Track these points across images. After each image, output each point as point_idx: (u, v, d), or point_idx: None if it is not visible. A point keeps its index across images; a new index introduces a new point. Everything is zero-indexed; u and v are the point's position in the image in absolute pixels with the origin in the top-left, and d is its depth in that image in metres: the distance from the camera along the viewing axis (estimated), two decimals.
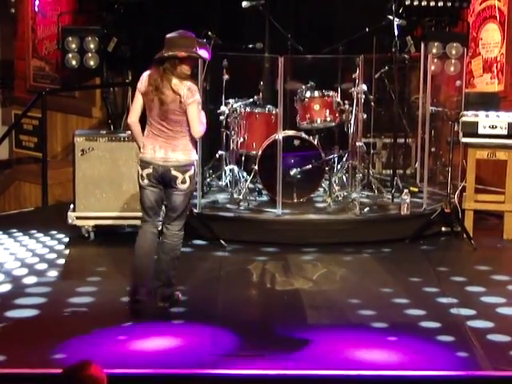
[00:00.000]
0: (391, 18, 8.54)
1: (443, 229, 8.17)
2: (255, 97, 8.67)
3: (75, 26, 10.06)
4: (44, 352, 5.31)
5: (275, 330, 5.80)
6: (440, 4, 9.59)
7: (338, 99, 8.55)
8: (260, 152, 8.29)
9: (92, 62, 9.73)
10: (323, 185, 8.51)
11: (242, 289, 6.72)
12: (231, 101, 8.65)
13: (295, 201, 8.29)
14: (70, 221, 7.89)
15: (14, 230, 8.23)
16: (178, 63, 5.84)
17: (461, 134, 8.15)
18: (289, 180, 8.19)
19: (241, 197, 8.34)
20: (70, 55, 9.71)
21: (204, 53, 6.03)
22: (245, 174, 8.59)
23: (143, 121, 6.07)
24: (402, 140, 9.33)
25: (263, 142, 8.35)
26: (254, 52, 8.63)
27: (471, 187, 8.16)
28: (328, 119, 8.50)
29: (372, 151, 9.15)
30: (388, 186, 8.76)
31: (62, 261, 7.37)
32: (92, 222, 7.88)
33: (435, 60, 9.19)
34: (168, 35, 5.92)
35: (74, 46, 9.69)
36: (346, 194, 8.47)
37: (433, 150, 9.25)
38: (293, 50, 8.70)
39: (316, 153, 8.28)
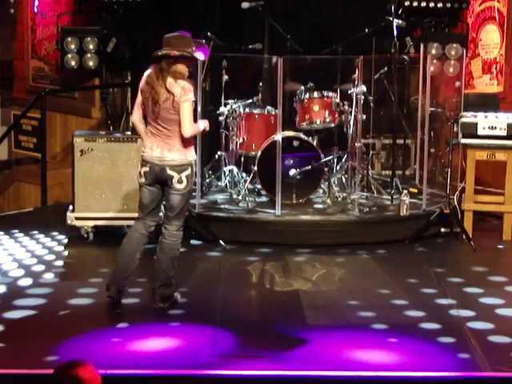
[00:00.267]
0: (390, 18, 8.54)
1: (442, 230, 8.17)
2: (254, 97, 8.67)
3: (74, 26, 10.07)
4: (41, 353, 5.30)
5: (274, 331, 5.80)
6: (439, 5, 9.60)
7: (338, 100, 8.55)
8: (259, 153, 8.28)
9: (91, 63, 9.73)
10: (322, 186, 8.50)
11: (241, 289, 6.72)
12: (230, 101, 8.66)
13: (294, 202, 8.29)
14: (69, 221, 7.89)
15: (13, 231, 8.23)
16: (173, 62, 5.86)
17: (460, 135, 8.15)
18: (288, 181, 8.18)
19: (240, 197, 8.34)
20: (70, 56, 9.71)
21: (199, 54, 6.01)
22: (244, 174, 8.59)
23: None
24: (402, 141, 9.35)
25: (262, 142, 8.35)
26: (253, 53, 8.62)
27: (470, 188, 8.16)
28: (327, 120, 8.50)
29: (371, 152, 9.16)
30: (387, 186, 8.76)
31: (61, 261, 7.36)
32: (91, 223, 7.88)
33: (434, 61, 9.19)
34: (166, 35, 5.96)
35: (73, 46, 9.69)
36: (345, 194, 8.47)
37: (432, 150, 9.25)
38: (292, 51, 8.70)
39: (315, 154, 8.27)
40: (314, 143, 8.36)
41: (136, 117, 6.08)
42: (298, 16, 9.85)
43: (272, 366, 5.18)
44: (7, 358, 5.26)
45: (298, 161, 8.25)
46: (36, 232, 8.19)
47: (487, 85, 9.87)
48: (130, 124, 10.07)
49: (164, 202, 6.12)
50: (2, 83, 12.02)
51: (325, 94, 8.52)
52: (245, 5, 8.63)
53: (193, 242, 7.77)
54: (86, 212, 7.86)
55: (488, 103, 8.70)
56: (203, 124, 6.22)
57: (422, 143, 8.64)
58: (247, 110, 8.53)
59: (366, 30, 8.71)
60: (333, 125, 8.54)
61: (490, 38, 9.85)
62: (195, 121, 6.22)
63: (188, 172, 5.95)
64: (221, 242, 7.75)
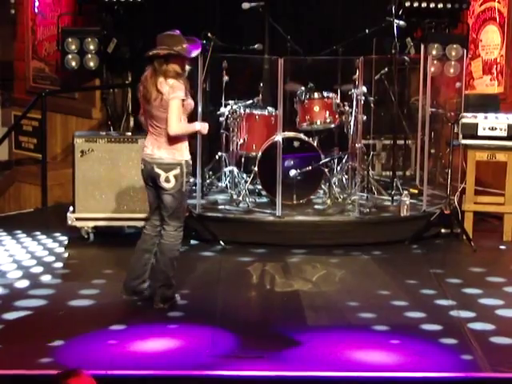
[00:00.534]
0: (391, 19, 8.54)
1: (443, 230, 8.17)
2: (255, 98, 8.68)
3: (75, 27, 10.07)
4: (39, 354, 5.30)
5: (274, 331, 5.79)
6: (440, 6, 9.60)
7: (338, 101, 8.55)
8: (260, 153, 8.28)
9: (92, 63, 9.73)
10: (323, 186, 8.50)
11: (241, 290, 6.72)
12: (231, 102, 8.66)
13: (295, 202, 8.29)
14: (69, 222, 7.89)
15: (14, 231, 8.23)
16: (163, 62, 5.89)
17: (460, 136, 8.15)
18: (288, 181, 8.18)
19: (240, 198, 8.34)
20: (70, 56, 9.71)
21: (190, 51, 5.95)
22: (244, 175, 8.59)
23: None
24: (402, 141, 9.35)
25: (263, 143, 8.35)
26: (253, 53, 8.62)
27: (471, 189, 8.15)
28: (328, 121, 8.50)
29: (372, 153, 9.15)
30: (388, 187, 8.75)
31: (61, 262, 7.36)
32: (91, 223, 7.88)
33: (435, 62, 9.19)
34: (158, 35, 6.02)
35: (73, 47, 9.69)
36: (345, 195, 8.47)
37: (432, 151, 9.25)
38: (292, 52, 8.70)
39: (316, 154, 8.27)
40: (315, 144, 8.36)
41: (140, 115, 6.22)
42: (299, 17, 9.85)
43: (272, 366, 5.18)
44: (6, 358, 5.25)
45: (299, 161, 8.25)
46: (36, 233, 8.20)
47: (487, 85, 9.87)
48: (131, 124, 10.12)
49: None
50: (2, 84, 12.03)
51: (325, 94, 8.52)
52: (245, 5, 8.63)
53: (193, 242, 7.77)
54: (87, 213, 7.86)
55: (488, 104, 8.70)
56: (200, 125, 6.19)
57: (423, 144, 8.64)
58: (248, 110, 8.53)
59: (367, 31, 8.70)
60: (333, 125, 8.55)
61: (491, 38, 9.85)
62: (193, 121, 6.23)
63: (176, 172, 5.94)
64: (221, 242, 7.75)
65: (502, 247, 8.04)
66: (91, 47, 9.69)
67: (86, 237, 7.89)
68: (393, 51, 8.52)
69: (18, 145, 11.07)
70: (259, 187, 8.59)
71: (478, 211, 8.36)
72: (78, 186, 7.86)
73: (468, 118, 8.15)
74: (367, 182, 8.60)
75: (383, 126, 9.28)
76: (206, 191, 8.65)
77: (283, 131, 8.15)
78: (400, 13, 9.28)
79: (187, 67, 6.07)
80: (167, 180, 5.94)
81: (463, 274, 7.13)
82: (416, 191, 8.77)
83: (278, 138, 8.04)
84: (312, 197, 8.46)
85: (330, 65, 8.68)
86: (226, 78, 8.66)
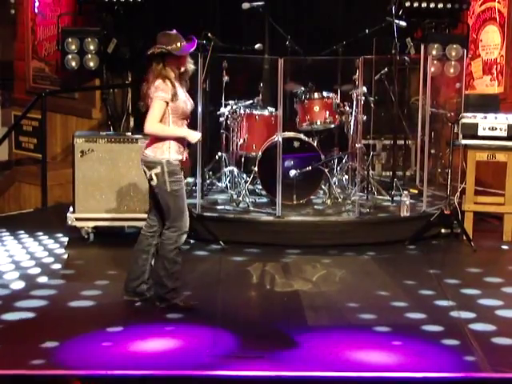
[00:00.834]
0: (391, 19, 8.54)
1: (443, 230, 8.17)
2: (255, 98, 8.68)
3: (75, 27, 10.08)
4: (38, 354, 5.31)
5: (275, 331, 5.79)
6: (440, 6, 9.61)
7: (338, 101, 8.56)
8: (260, 153, 8.29)
9: (92, 64, 9.74)
10: (323, 186, 8.50)
11: (241, 290, 6.71)
12: (231, 102, 8.67)
13: (295, 202, 8.29)
14: (69, 222, 7.89)
15: (14, 232, 8.23)
16: (160, 61, 5.88)
17: (460, 136, 8.15)
18: (288, 181, 8.18)
19: (240, 198, 8.34)
20: (70, 56, 9.72)
21: (180, 48, 5.90)
22: (244, 175, 8.59)
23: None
24: (402, 142, 9.35)
25: (263, 143, 8.35)
26: (253, 53, 8.62)
27: (471, 189, 8.16)
28: (328, 121, 8.51)
29: (372, 153, 9.15)
30: (388, 187, 8.75)
31: (61, 262, 7.36)
32: (91, 224, 7.88)
33: (435, 62, 9.19)
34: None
35: (73, 47, 9.70)
36: (345, 195, 8.48)
37: (432, 151, 9.26)
38: (293, 52, 8.70)
39: (316, 154, 8.27)
40: (315, 144, 8.36)
41: None
42: (299, 17, 9.85)
43: (272, 366, 5.17)
44: (5, 358, 5.25)
45: (299, 161, 8.25)
46: (36, 233, 8.19)
47: (488, 86, 9.88)
48: (131, 124, 10.12)
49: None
50: (2, 84, 12.03)
51: (325, 94, 8.53)
52: (245, 5, 8.64)
53: (193, 242, 7.77)
54: (87, 213, 7.86)
55: (488, 104, 8.70)
56: (189, 132, 6.01)
57: (423, 144, 8.64)
58: (248, 110, 8.54)
59: (367, 31, 8.70)
60: (333, 125, 8.56)
61: (491, 38, 9.85)
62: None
63: (157, 170, 5.94)
64: (221, 242, 7.74)
65: (502, 247, 8.04)
66: (91, 47, 9.69)
67: (86, 237, 7.90)
68: (393, 51, 8.53)
69: (18, 145, 11.08)
70: (259, 187, 8.59)
71: (478, 211, 8.37)
72: (77, 186, 7.86)
73: (468, 118, 8.15)
74: (367, 182, 8.60)
75: (383, 126, 9.28)
76: (205, 191, 8.65)
77: (283, 131, 8.15)
78: (400, 13, 9.29)
79: (191, 67, 6.05)
80: (151, 178, 5.98)
81: (463, 275, 7.13)
82: (416, 191, 8.78)
83: (278, 138, 8.04)
84: (312, 197, 8.47)
85: (330, 65, 8.68)
86: (226, 78, 8.66)
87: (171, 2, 9.80)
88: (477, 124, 8.10)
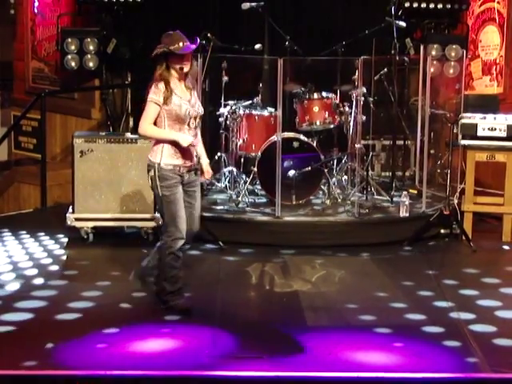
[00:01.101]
0: (390, 20, 8.54)
1: (442, 231, 8.18)
2: (254, 98, 8.68)
3: (74, 27, 10.07)
4: (39, 353, 5.31)
5: (274, 332, 5.79)
6: (439, 6, 9.61)
7: (338, 101, 8.56)
8: (259, 154, 8.29)
9: (91, 64, 9.74)
10: (322, 187, 8.50)
11: (240, 290, 6.71)
12: (230, 102, 8.66)
13: (294, 203, 8.29)
14: (68, 222, 7.89)
15: (13, 232, 8.23)
16: (163, 61, 5.87)
17: (460, 136, 8.16)
18: (288, 182, 8.18)
19: (240, 198, 8.34)
20: (70, 56, 9.72)
21: (179, 48, 5.88)
22: (244, 175, 8.59)
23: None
24: (401, 142, 9.34)
25: (262, 143, 8.35)
26: (253, 54, 8.62)
27: (470, 189, 8.16)
28: (327, 121, 8.51)
29: (371, 153, 9.14)
30: (387, 188, 8.75)
31: (60, 262, 7.36)
32: (91, 224, 7.88)
33: (434, 62, 9.19)
34: None
35: (73, 47, 9.70)
36: (344, 195, 8.47)
37: (432, 152, 9.26)
38: (292, 52, 8.69)
39: (315, 155, 8.27)
40: (314, 144, 8.36)
41: None
42: (298, 17, 9.85)
43: (272, 367, 5.17)
44: (4, 359, 5.25)
45: (298, 162, 8.25)
46: (35, 233, 8.19)
47: (487, 86, 9.88)
48: (131, 125, 10.12)
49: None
50: (1, 84, 12.03)
51: (325, 95, 8.53)
52: (245, 5, 8.63)
53: (192, 243, 7.76)
54: (86, 213, 7.85)
55: (488, 104, 8.70)
56: (179, 136, 5.86)
57: (422, 144, 8.64)
58: (247, 110, 8.54)
59: (366, 31, 8.70)
60: (332, 126, 8.56)
61: (490, 39, 9.85)
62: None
63: (151, 173, 5.95)
64: (220, 242, 7.74)
65: (502, 248, 8.04)
66: (91, 47, 9.69)
67: (85, 237, 7.90)
68: (392, 52, 8.53)
69: (17, 145, 11.08)
70: (258, 187, 8.59)
71: (478, 212, 8.37)
72: (77, 187, 7.86)
73: (467, 118, 8.16)
74: (366, 183, 8.60)
75: (383, 127, 9.27)
76: (205, 191, 8.65)
77: (283, 131, 8.15)
78: (399, 13, 9.28)
79: (196, 68, 6.04)
80: (148, 179, 6.01)
81: (462, 275, 7.13)
82: (415, 192, 8.77)
83: (278, 138, 8.04)
84: (311, 197, 8.46)
85: (330, 65, 8.68)
86: (225, 79, 8.66)
87: (171, 2, 9.80)
88: (476, 124, 8.10)
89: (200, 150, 6.16)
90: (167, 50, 5.82)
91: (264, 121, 8.51)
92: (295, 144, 8.31)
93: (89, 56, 9.71)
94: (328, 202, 8.37)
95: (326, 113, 8.50)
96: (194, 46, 5.90)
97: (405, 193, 8.21)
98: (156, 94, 5.84)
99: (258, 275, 7.17)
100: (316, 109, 8.50)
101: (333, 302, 6.45)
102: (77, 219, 7.86)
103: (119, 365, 5.16)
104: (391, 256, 7.68)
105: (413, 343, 5.59)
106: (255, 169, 8.33)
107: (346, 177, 8.72)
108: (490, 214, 8.64)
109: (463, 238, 7.98)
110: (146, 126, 5.90)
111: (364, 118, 8.35)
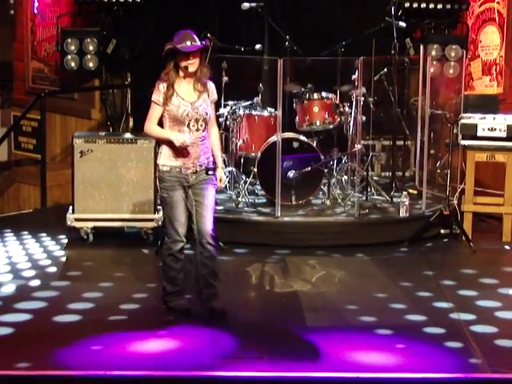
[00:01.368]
0: (390, 20, 8.54)
1: (442, 231, 8.18)
2: (254, 99, 8.68)
3: (74, 27, 10.07)
4: (39, 353, 5.31)
5: (274, 332, 5.79)
6: (439, 6, 9.60)
7: (337, 101, 8.56)
8: (259, 154, 8.29)
9: (91, 64, 9.74)
10: (322, 187, 8.50)
11: (240, 291, 6.71)
12: (230, 103, 8.66)
13: (294, 203, 8.29)
14: (68, 222, 7.89)
15: (13, 232, 8.23)
16: (168, 62, 5.87)
17: (460, 137, 8.15)
18: (288, 182, 8.18)
19: (239, 199, 8.34)
20: (69, 57, 9.72)
21: (183, 47, 5.87)
22: (244, 176, 8.59)
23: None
24: (401, 142, 9.34)
25: (262, 144, 8.35)
26: (253, 54, 8.62)
27: (470, 189, 8.15)
28: (327, 121, 8.51)
29: (371, 153, 9.15)
30: (387, 188, 8.75)
31: (60, 262, 7.36)
32: (91, 224, 7.88)
33: (434, 62, 9.19)
34: None
35: (73, 47, 9.70)
36: (344, 196, 8.47)
37: (432, 152, 9.25)
38: (292, 52, 8.70)
39: (315, 155, 8.27)
40: (314, 145, 8.36)
41: None
42: (298, 17, 9.85)
43: (272, 367, 5.17)
44: (4, 359, 5.25)
45: (298, 162, 8.25)
46: (35, 233, 8.19)
47: (487, 86, 9.88)
48: (130, 125, 10.12)
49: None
50: (1, 84, 12.03)
51: (324, 95, 8.53)
52: (245, 5, 8.63)
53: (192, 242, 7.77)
54: (86, 213, 7.85)
55: (488, 105, 8.70)
56: (173, 136, 5.78)
57: (422, 144, 8.64)
58: (247, 111, 8.54)
59: (366, 32, 8.70)
60: (332, 126, 8.56)
61: (490, 39, 9.85)
62: None
63: (157, 173, 5.96)
64: (220, 243, 7.73)
65: (501, 248, 8.04)
66: (90, 48, 9.69)
67: (85, 237, 7.89)
68: (392, 52, 8.53)
69: (17, 145, 11.08)
70: (258, 188, 8.59)
71: (478, 212, 8.37)
72: (77, 187, 7.86)
73: (467, 118, 8.16)
74: (366, 183, 8.60)
75: (383, 127, 9.27)
76: None
77: (282, 132, 8.15)
78: (399, 13, 9.28)
79: (204, 70, 5.97)
80: None
81: (462, 276, 7.13)
82: (415, 192, 8.77)
83: (278, 138, 8.04)
84: (311, 197, 8.46)
85: (330, 65, 8.68)
86: (225, 79, 8.66)
87: (170, 2, 9.80)
88: (476, 125, 8.10)
89: (216, 154, 6.04)
90: (173, 47, 5.78)
91: (264, 121, 8.52)
92: (295, 144, 8.31)
93: (89, 56, 9.71)
94: (328, 202, 8.37)
95: (326, 113, 8.50)
96: (198, 46, 5.85)
97: (405, 193, 8.21)
98: (157, 94, 5.84)
99: (257, 275, 7.17)
100: (316, 109, 8.50)
101: (333, 303, 6.45)
102: (77, 219, 7.86)
103: (119, 365, 5.16)
104: (391, 256, 7.68)
105: (413, 344, 5.58)
106: (255, 169, 8.33)
107: (345, 177, 8.72)
108: (490, 214, 8.64)
109: (463, 238, 7.98)
110: (148, 125, 5.91)
111: (364, 118, 8.35)
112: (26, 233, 8.21)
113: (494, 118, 8.12)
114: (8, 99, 11.99)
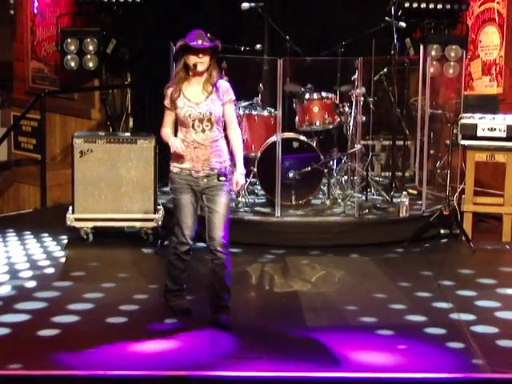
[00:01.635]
0: (390, 20, 8.54)
1: (442, 231, 8.18)
2: (254, 99, 8.67)
3: (74, 27, 10.06)
4: (38, 353, 5.31)
5: (274, 332, 5.79)
6: (439, 6, 9.60)
7: (337, 101, 8.56)
8: (259, 154, 8.29)
9: (91, 64, 9.73)
10: (322, 187, 8.50)
11: (240, 291, 6.69)
12: None
13: (294, 203, 8.28)
14: (68, 222, 7.89)
15: (13, 232, 8.22)
16: (179, 61, 5.84)
17: (460, 137, 8.16)
18: (287, 182, 8.18)
19: (239, 198, 8.34)
20: (69, 57, 9.71)
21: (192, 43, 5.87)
22: None
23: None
24: (401, 142, 9.34)
25: (262, 144, 8.35)
26: (253, 54, 8.62)
27: (470, 189, 8.16)
28: (327, 121, 8.51)
29: (371, 153, 9.15)
30: (387, 188, 8.75)
31: (60, 262, 7.36)
32: (90, 224, 7.88)
33: (434, 62, 9.19)
34: None
35: (72, 47, 9.69)
36: (344, 196, 8.47)
37: (432, 152, 9.25)
38: (292, 52, 8.70)
39: (315, 155, 8.27)
40: (314, 145, 8.36)
41: None
42: (298, 17, 9.85)
43: (271, 367, 5.17)
44: (4, 359, 5.25)
45: (298, 162, 8.24)
46: (35, 233, 8.19)
47: (487, 86, 9.88)
48: (130, 125, 10.11)
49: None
50: (1, 84, 12.03)
51: (324, 95, 8.52)
52: (245, 5, 8.64)
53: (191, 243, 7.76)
54: (86, 213, 7.86)
55: (487, 105, 8.69)
56: (171, 141, 5.72)
57: (422, 144, 8.64)
58: (247, 111, 8.54)
59: (366, 32, 8.70)
60: (332, 126, 8.56)
61: (490, 39, 9.85)
62: None
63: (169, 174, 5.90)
64: None
65: (501, 248, 8.04)
66: (90, 48, 9.68)
67: (85, 237, 7.90)
68: (392, 52, 8.53)
69: (17, 145, 11.08)
70: (258, 188, 8.58)
71: (477, 212, 8.37)
72: (77, 187, 7.86)
73: (467, 118, 8.16)
74: (366, 183, 8.60)
75: (382, 127, 9.28)
76: None
77: (282, 132, 8.15)
78: (399, 13, 9.28)
79: (213, 73, 5.89)
80: None
81: (462, 276, 7.13)
82: (415, 192, 8.77)
83: (277, 138, 8.04)
84: (311, 197, 8.46)
85: (330, 65, 8.68)
86: (225, 79, 8.63)
87: (170, 2, 9.80)
88: (476, 125, 8.10)
89: (237, 157, 5.88)
90: (184, 43, 5.72)
91: (264, 121, 8.51)
92: (295, 144, 8.31)
93: (88, 56, 9.70)
94: (328, 202, 8.37)
95: (326, 113, 8.50)
96: (206, 45, 5.78)
97: (405, 193, 8.21)
98: (165, 98, 5.84)
99: (257, 275, 7.17)
100: (316, 109, 8.49)
101: (332, 303, 6.45)
102: (76, 219, 7.86)
103: (119, 365, 5.16)
104: (391, 256, 7.68)
105: (414, 344, 5.57)
106: (255, 169, 8.33)
107: (345, 177, 8.72)
108: (490, 214, 8.64)
109: (463, 238, 7.98)
110: (161, 129, 5.87)
111: (364, 118, 8.35)
112: (26, 233, 8.21)
113: (494, 118, 8.12)
114: (8, 99, 11.98)
